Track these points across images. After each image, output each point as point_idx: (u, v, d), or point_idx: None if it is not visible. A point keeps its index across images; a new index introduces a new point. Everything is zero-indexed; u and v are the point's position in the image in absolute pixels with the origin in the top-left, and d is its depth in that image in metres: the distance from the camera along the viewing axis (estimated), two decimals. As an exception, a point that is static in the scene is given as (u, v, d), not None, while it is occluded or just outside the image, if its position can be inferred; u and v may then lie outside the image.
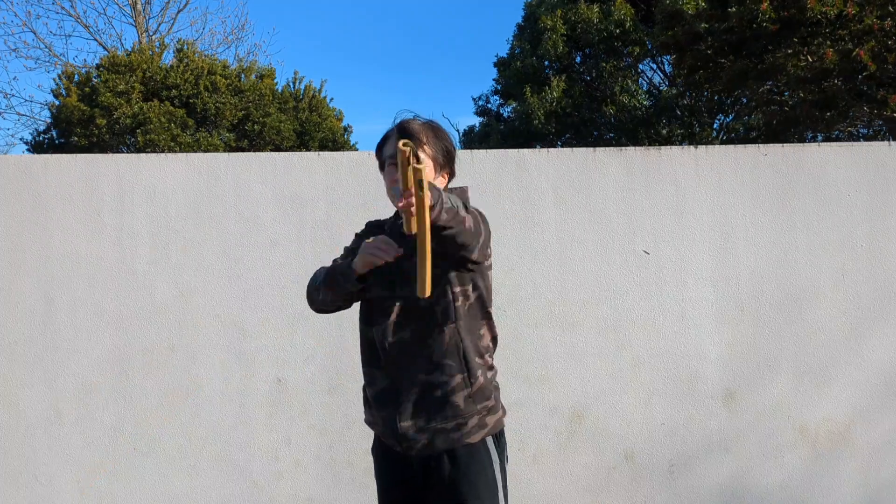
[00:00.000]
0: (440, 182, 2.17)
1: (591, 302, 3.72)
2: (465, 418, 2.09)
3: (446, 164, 2.19)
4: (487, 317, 2.17)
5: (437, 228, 1.82)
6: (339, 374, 3.66)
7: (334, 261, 2.29)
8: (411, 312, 2.10)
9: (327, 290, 2.17)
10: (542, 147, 13.90)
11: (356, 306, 2.27)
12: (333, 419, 3.67)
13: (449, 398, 2.08)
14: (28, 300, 3.67)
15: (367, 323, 2.20)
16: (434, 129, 2.18)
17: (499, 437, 2.19)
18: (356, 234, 2.37)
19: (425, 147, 2.10)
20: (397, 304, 2.11)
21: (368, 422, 2.28)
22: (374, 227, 2.33)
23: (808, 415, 3.70)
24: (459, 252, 2.00)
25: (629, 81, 14.13)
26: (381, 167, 2.23)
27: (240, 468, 3.66)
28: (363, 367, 2.23)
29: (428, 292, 1.85)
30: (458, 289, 2.09)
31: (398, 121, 2.19)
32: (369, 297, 2.18)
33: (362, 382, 2.26)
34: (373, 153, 3.76)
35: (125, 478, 3.65)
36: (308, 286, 2.27)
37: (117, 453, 3.66)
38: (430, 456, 2.12)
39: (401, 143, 1.72)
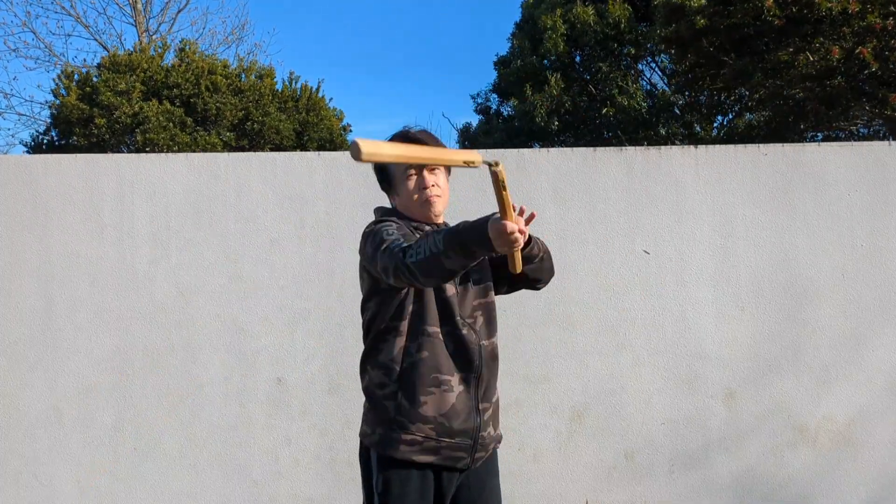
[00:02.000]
0: None
1: (592, 301, 3.72)
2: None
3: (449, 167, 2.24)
4: None
5: (531, 258, 2.05)
6: (339, 374, 3.66)
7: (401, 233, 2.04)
8: (489, 318, 2.14)
9: (457, 256, 1.82)
10: (543, 145, 13.94)
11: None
12: (333, 419, 3.67)
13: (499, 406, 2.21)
14: (28, 300, 3.67)
15: (446, 323, 2.05)
16: (431, 134, 2.21)
17: None
18: (391, 220, 2.14)
19: None
20: (480, 310, 2.12)
21: (406, 441, 2.02)
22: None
23: (808, 414, 3.70)
24: (538, 284, 2.19)
25: (629, 82, 14.13)
26: (389, 186, 2.20)
27: (240, 468, 3.66)
28: (433, 374, 2.02)
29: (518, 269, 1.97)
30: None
31: (392, 136, 2.21)
32: (444, 295, 2.07)
33: (363, 383, 2.15)
34: (373, 153, 3.77)
35: (125, 478, 3.66)
36: (414, 256, 1.86)
37: (117, 453, 3.66)
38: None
39: (492, 164, 1.75)
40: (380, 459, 2.07)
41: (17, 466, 3.65)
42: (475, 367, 2.06)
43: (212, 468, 3.66)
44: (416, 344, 2.03)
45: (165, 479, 3.66)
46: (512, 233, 1.78)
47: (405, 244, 1.91)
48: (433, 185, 2.12)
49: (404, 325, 2.05)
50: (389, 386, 2.05)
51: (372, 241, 2.01)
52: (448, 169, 2.20)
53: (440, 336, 2.04)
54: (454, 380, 2.04)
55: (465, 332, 2.06)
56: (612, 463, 3.70)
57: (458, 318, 2.06)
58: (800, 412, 3.70)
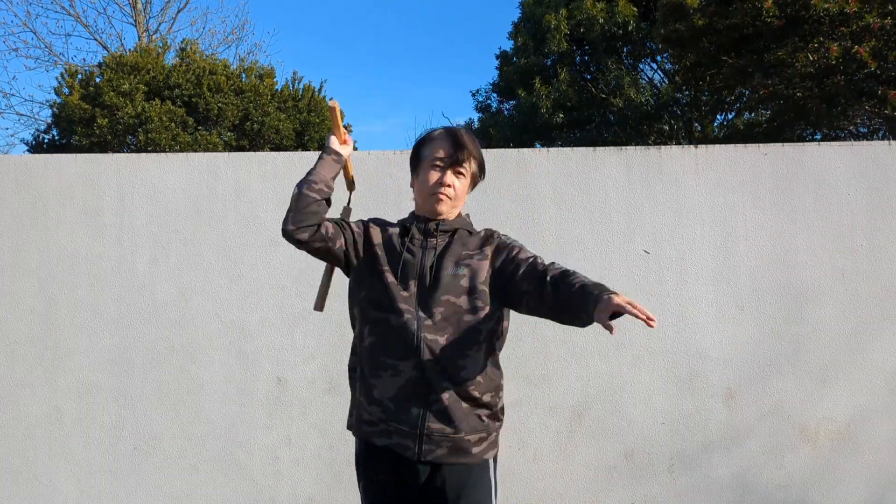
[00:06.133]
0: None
1: (591, 301, 3.71)
2: (487, 433, 2.16)
3: (480, 175, 2.29)
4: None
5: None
6: (339, 373, 3.66)
7: None
8: (451, 318, 2.10)
9: (306, 185, 2.16)
10: (546, 143, 13.94)
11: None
12: (333, 419, 3.67)
13: (477, 412, 2.13)
14: (28, 300, 3.67)
15: (388, 310, 2.10)
16: (475, 141, 2.28)
17: (496, 457, 2.25)
18: (361, 221, 2.32)
19: (472, 161, 2.22)
20: (442, 307, 2.10)
21: (367, 421, 2.14)
22: (383, 222, 2.30)
23: (808, 414, 3.70)
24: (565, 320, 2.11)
25: (635, 79, 14.15)
26: (414, 167, 2.27)
27: (240, 468, 3.67)
28: (381, 357, 2.10)
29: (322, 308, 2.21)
30: (505, 323, 2.22)
31: (441, 127, 2.30)
32: (384, 282, 2.12)
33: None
34: (373, 152, 3.77)
35: (125, 478, 3.66)
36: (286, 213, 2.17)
37: (117, 453, 3.66)
38: (439, 466, 2.10)
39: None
40: (357, 443, 2.21)
41: (17, 466, 3.65)
42: (417, 357, 2.07)
43: (212, 468, 3.66)
44: (367, 329, 2.14)
45: (165, 479, 3.66)
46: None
47: None
48: (449, 186, 2.18)
49: (357, 311, 2.19)
50: (355, 369, 2.21)
51: None
52: (473, 181, 2.26)
53: (391, 321, 2.10)
54: (403, 365, 2.08)
55: (404, 319, 2.09)
56: (612, 463, 3.70)
57: (398, 305, 2.10)
58: (800, 412, 3.70)
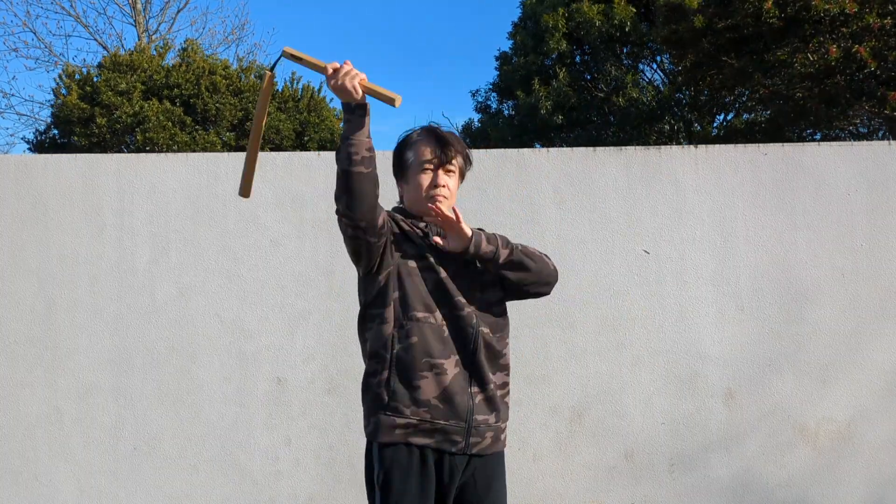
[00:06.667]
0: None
1: (591, 301, 3.72)
2: (507, 420, 2.24)
3: (467, 167, 2.29)
4: None
5: (506, 264, 2.14)
6: (338, 374, 3.67)
7: None
8: (485, 310, 2.16)
9: (343, 156, 1.98)
10: (546, 143, 13.93)
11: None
12: (333, 419, 3.67)
13: (505, 400, 2.22)
14: (28, 300, 3.67)
15: (444, 305, 2.09)
16: (456, 134, 2.27)
17: None
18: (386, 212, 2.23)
19: (458, 157, 2.21)
20: (478, 301, 2.14)
21: (402, 426, 2.05)
22: (401, 218, 2.23)
23: (808, 414, 3.70)
24: (536, 288, 2.25)
25: (634, 79, 14.16)
26: (400, 173, 2.22)
27: (240, 468, 3.66)
28: (424, 358, 2.05)
29: (250, 195, 2.15)
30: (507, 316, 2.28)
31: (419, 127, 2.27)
32: (437, 277, 2.10)
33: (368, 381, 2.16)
34: (373, 153, 3.76)
35: (125, 478, 3.66)
36: (335, 196, 2.05)
37: (117, 453, 3.66)
38: (474, 457, 2.12)
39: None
40: (381, 452, 2.07)
41: (17, 466, 3.65)
42: (469, 350, 2.10)
43: (212, 468, 3.66)
44: (405, 330, 2.06)
45: (165, 479, 3.66)
46: (333, 69, 1.96)
47: None
48: (443, 186, 2.16)
49: (389, 312, 2.08)
50: (381, 373, 2.08)
51: None
52: (461, 175, 2.25)
53: (431, 320, 2.08)
54: (448, 363, 2.08)
55: (464, 313, 2.10)
56: (612, 463, 3.70)
57: (457, 298, 2.10)
58: (800, 412, 3.70)
